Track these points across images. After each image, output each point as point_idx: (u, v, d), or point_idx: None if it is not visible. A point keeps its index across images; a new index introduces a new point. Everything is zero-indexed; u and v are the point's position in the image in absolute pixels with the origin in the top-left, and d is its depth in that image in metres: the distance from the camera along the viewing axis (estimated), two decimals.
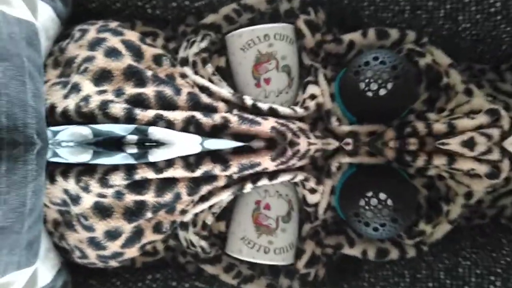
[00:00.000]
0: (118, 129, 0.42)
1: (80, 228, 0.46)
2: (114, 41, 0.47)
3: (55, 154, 0.43)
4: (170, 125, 0.44)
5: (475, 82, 0.59)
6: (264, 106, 0.49)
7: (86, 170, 0.44)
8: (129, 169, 0.43)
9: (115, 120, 0.43)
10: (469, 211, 0.61)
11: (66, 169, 0.44)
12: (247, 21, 0.56)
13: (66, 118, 0.44)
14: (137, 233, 0.47)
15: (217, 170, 0.46)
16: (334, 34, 0.55)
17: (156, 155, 0.43)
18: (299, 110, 0.50)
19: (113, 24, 0.50)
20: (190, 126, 0.45)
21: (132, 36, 0.49)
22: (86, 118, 0.43)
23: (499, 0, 0.51)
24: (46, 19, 0.49)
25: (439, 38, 0.56)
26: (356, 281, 0.55)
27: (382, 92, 0.47)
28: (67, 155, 0.42)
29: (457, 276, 0.53)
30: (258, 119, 0.47)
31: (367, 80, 0.48)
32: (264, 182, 0.50)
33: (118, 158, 0.42)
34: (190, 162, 0.45)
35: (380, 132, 0.52)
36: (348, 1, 0.54)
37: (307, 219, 0.55)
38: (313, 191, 0.52)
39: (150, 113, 0.44)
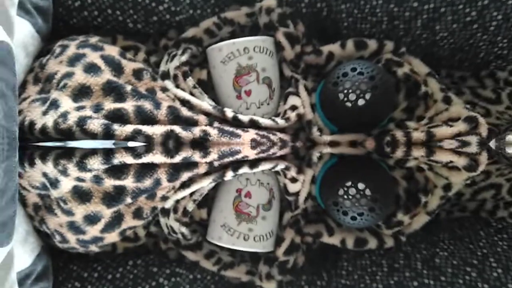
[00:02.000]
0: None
1: (59, 212, 0.47)
2: (93, 57, 0.47)
3: None
4: (149, 139, 0.44)
5: (456, 89, 0.60)
6: (244, 118, 0.50)
7: (65, 153, 0.44)
8: (107, 154, 0.43)
9: (93, 136, 0.43)
10: (450, 204, 0.62)
11: (45, 152, 0.44)
12: (228, 34, 0.56)
13: (45, 135, 0.44)
14: (117, 218, 0.48)
15: (196, 156, 0.46)
16: (313, 46, 0.56)
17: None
18: (280, 121, 0.51)
19: (93, 40, 0.50)
20: (169, 140, 0.45)
21: (112, 51, 0.49)
22: (64, 134, 0.43)
23: (474, 10, 0.51)
24: (25, 36, 0.49)
25: (417, 48, 0.56)
26: (335, 269, 0.56)
27: (361, 102, 0.48)
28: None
29: (434, 267, 0.53)
30: (238, 131, 0.48)
31: (345, 91, 0.48)
32: (245, 170, 0.50)
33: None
34: (169, 148, 0.45)
35: (360, 141, 0.52)
36: (327, 13, 0.55)
37: (287, 208, 0.55)
38: (294, 180, 0.53)
39: (129, 128, 0.43)
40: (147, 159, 0.44)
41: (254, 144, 0.48)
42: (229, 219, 0.53)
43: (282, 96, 0.55)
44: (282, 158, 0.53)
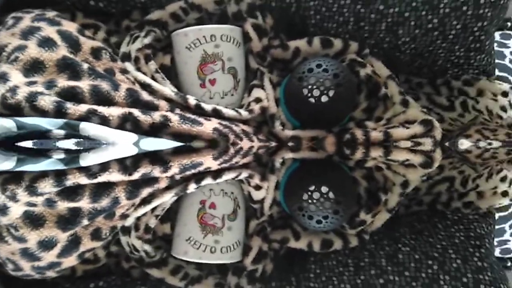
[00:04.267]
0: (46, 123, 0.39)
1: (11, 240, 0.43)
2: (49, 31, 0.44)
3: None
4: (104, 121, 0.42)
5: (413, 94, 0.62)
6: (208, 107, 0.49)
7: (12, 178, 0.41)
8: (59, 175, 0.41)
9: (43, 113, 0.40)
10: (407, 199, 0.64)
11: None
12: (194, 20, 0.55)
13: None
14: (74, 242, 0.45)
15: (156, 172, 0.44)
16: (281, 40, 0.55)
17: (87, 159, 0.40)
18: (244, 113, 0.50)
19: (51, 14, 0.47)
20: (127, 123, 0.43)
21: (70, 26, 0.46)
22: (12, 110, 0.40)
23: (436, 17, 0.53)
24: None
25: (380, 50, 0.58)
26: (303, 273, 0.56)
27: (324, 99, 0.48)
28: None
29: (398, 262, 0.55)
30: (201, 119, 0.46)
31: (310, 87, 0.49)
32: (208, 181, 0.49)
33: (45, 164, 0.39)
34: (127, 164, 0.43)
35: (321, 137, 0.53)
36: (296, 9, 0.55)
37: (253, 216, 0.55)
38: (258, 187, 0.53)
39: (83, 108, 0.41)
40: (102, 178, 0.42)
41: (217, 134, 0.46)
42: (194, 232, 0.52)
43: (246, 88, 0.54)
44: (245, 166, 0.53)
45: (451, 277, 0.52)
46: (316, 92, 0.49)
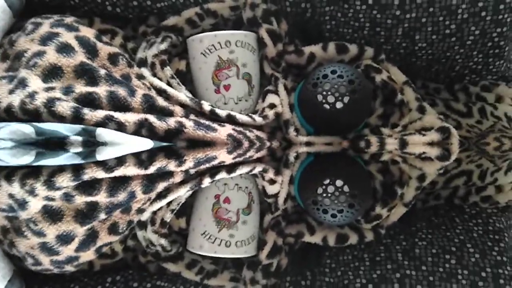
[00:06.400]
0: (63, 129, 0.40)
1: (30, 234, 0.44)
2: (67, 37, 0.45)
3: None
4: (120, 127, 0.42)
5: (430, 100, 0.61)
6: (222, 112, 0.49)
7: (31, 172, 0.41)
8: (77, 170, 0.41)
9: (61, 119, 0.41)
10: (424, 193, 0.63)
11: (10, 172, 0.42)
12: (210, 26, 0.55)
13: (10, 115, 0.41)
14: (91, 236, 0.46)
15: (171, 166, 0.45)
16: (295, 45, 0.55)
17: (104, 154, 0.41)
18: (258, 119, 0.50)
19: (69, 19, 0.48)
20: (143, 129, 0.43)
21: (88, 32, 0.47)
22: (30, 115, 0.41)
23: (453, 23, 0.52)
24: None
25: (396, 56, 0.57)
26: (318, 267, 0.56)
27: (339, 105, 0.48)
28: (8, 158, 0.39)
29: (414, 257, 0.54)
30: (215, 125, 0.47)
31: (324, 93, 0.48)
32: (222, 175, 0.49)
33: (63, 158, 0.40)
34: (142, 159, 0.44)
35: (336, 144, 0.53)
36: (311, 15, 0.54)
37: (267, 210, 0.55)
38: (272, 182, 0.53)
39: (100, 114, 0.42)
40: (119, 172, 0.43)
41: (231, 140, 0.46)
42: (209, 226, 0.52)
43: (261, 94, 0.54)
44: (259, 160, 0.53)
45: (470, 272, 0.51)
46: (331, 99, 0.48)
